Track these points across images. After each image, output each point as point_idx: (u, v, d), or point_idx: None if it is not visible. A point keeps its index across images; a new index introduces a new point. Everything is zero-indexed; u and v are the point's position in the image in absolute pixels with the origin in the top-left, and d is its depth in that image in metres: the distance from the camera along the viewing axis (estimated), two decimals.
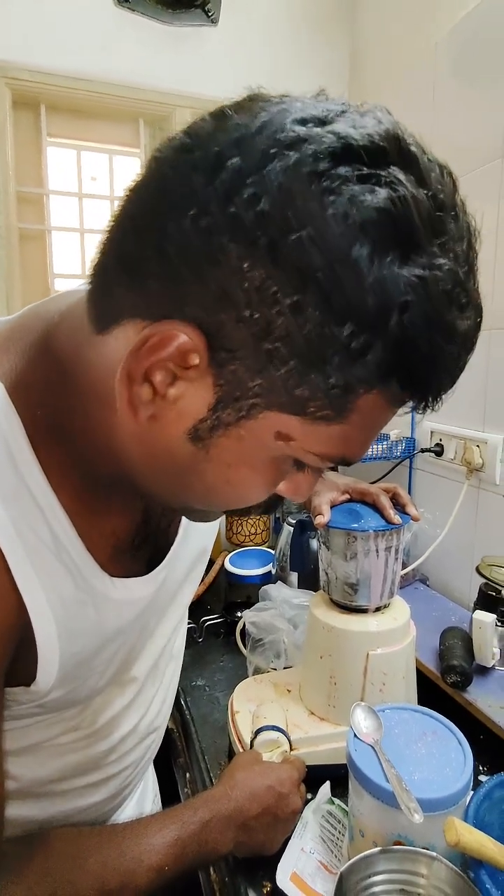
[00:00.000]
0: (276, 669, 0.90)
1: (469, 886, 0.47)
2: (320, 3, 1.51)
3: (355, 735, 0.58)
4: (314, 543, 1.11)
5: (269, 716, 0.71)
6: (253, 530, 1.46)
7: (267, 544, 1.44)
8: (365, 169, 0.28)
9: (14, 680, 0.39)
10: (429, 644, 0.91)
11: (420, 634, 0.77)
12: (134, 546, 0.45)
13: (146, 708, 0.54)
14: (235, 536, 1.47)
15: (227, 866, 0.60)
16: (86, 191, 1.47)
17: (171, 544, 0.51)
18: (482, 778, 0.69)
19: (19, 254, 1.34)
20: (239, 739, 0.73)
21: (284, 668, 0.89)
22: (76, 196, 1.46)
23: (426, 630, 0.93)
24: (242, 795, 0.56)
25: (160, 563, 0.49)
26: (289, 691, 0.80)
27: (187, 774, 0.78)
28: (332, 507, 0.73)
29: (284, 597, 0.99)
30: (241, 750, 0.71)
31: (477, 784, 0.56)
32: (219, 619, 1.13)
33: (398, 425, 1.30)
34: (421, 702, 0.75)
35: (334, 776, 0.67)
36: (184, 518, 0.51)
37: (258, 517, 1.45)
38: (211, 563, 1.26)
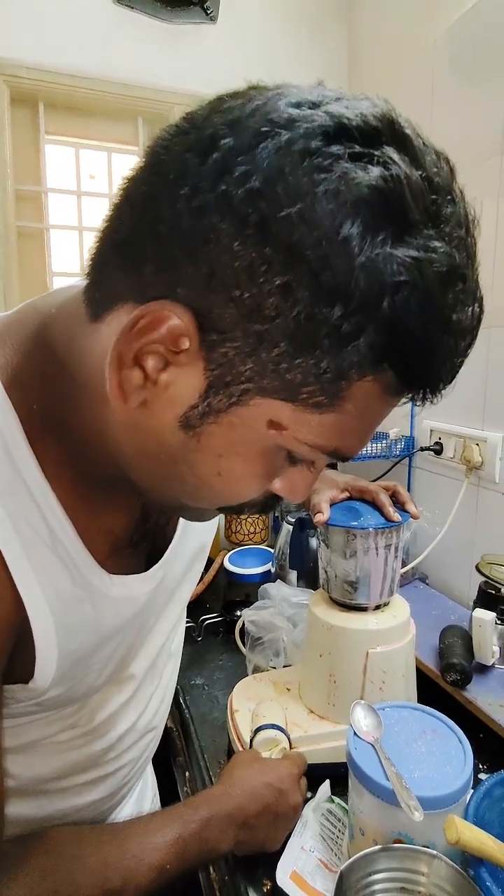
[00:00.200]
0: (275, 668, 0.89)
1: (469, 884, 0.46)
2: (319, 1, 1.50)
3: (355, 733, 0.58)
4: (313, 542, 1.11)
5: (268, 714, 0.71)
6: (252, 529, 1.46)
7: (266, 543, 1.44)
8: (358, 147, 0.27)
9: (12, 677, 0.39)
10: (428, 642, 0.91)
11: (420, 633, 0.77)
12: (132, 543, 0.45)
13: (144, 706, 0.54)
14: (235, 535, 1.47)
15: (226, 865, 0.60)
16: (84, 189, 1.47)
17: (170, 542, 0.50)
18: (482, 776, 0.69)
19: (17, 252, 1.34)
20: (238, 738, 0.73)
21: (284, 666, 0.89)
22: (74, 194, 1.46)
23: (426, 628, 0.93)
24: (242, 794, 0.56)
25: (159, 560, 0.49)
26: (288, 690, 0.80)
27: (186, 773, 0.77)
28: (331, 505, 0.73)
29: (284, 595, 0.99)
30: (240, 748, 0.71)
31: (477, 782, 0.56)
32: (218, 617, 1.13)
33: (397, 423, 1.30)
34: (421, 700, 0.75)
35: (334, 775, 0.67)
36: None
37: (256, 516, 1.45)
38: (210, 561, 1.26)
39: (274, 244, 0.28)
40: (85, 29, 1.29)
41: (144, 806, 0.67)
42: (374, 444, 1.26)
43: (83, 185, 1.47)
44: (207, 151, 0.28)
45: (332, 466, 0.85)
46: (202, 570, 0.61)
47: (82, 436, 0.38)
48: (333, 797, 0.66)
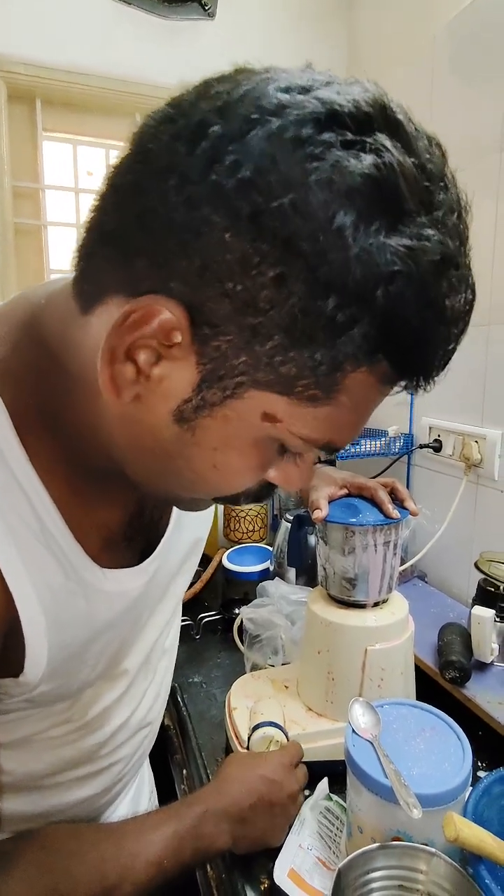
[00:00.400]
0: (273, 666, 0.89)
1: (468, 882, 0.46)
2: None
3: (353, 730, 0.58)
4: (312, 539, 1.11)
5: (266, 712, 0.71)
6: (251, 527, 1.46)
7: (265, 541, 1.43)
8: (350, 135, 0.27)
9: (2, 671, 0.39)
10: (427, 640, 0.90)
11: (418, 630, 0.76)
12: (126, 538, 0.45)
13: (138, 702, 0.53)
14: (233, 533, 1.46)
15: (223, 863, 0.60)
16: (82, 186, 1.46)
17: (163, 536, 0.50)
18: (481, 774, 0.68)
19: (14, 249, 1.33)
20: (236, 736, 0.72)
21: (282, 664, 0.89)
22: (72, 191, 1.45)
23: (425, 626, 0.92)
24: (234, 788, 0.56)
25: (152, 554, 0.48)
26: (286, 687, 0.80)
27: (184, 771, 0.77)
28: (329, 502, 0.73)
29: (282, 593, 0.98)
30: (238, 746, 0.71)
31: (476, 780, 0.56)
32: (216, 615, 1.12)
33: (396, 421, 1.30)
34: (419, 698, 0.75)
35: (332, 772, 0.67)
36: (175, 509, 0.51)
37: (255, 514, 1.45)
38: (209, 560, 1.26)
39: (267, 236, 0.27)
40: (82, 25, 1.29)
41: (141, 803, 0.67)
42: (373, 442, 1.26)
43: (81, 181, 1.46)
44: (196, 139, 0.28)
45: (331, 463, 0.85)
46: (197, 564, 0.61)
47: (77, 430, 0.37)
48: (332, 795, 0.66)
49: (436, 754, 0.55)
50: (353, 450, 1.25)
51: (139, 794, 0.67)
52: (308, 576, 1.11)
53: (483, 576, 0.91)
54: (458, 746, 0.56)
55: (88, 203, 0.33)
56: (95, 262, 0.33)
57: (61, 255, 1.45)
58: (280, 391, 0.31)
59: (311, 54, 1.58)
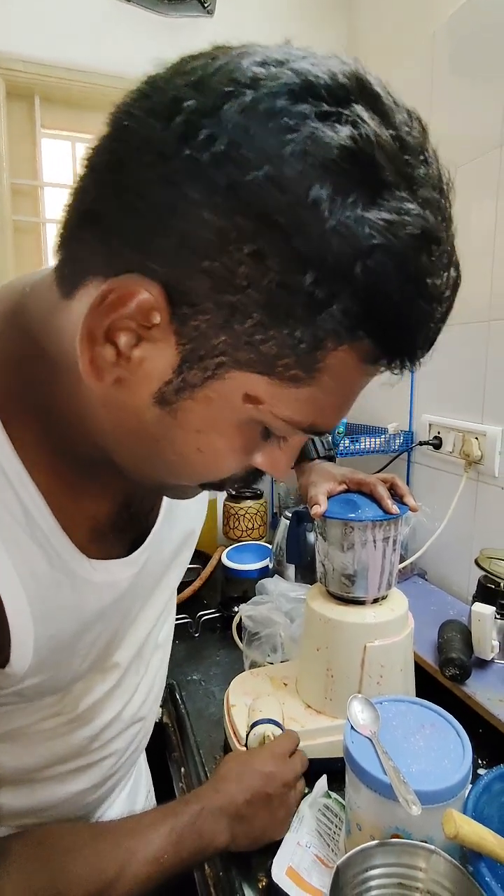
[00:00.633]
0: (272, 663, 0.89)
1: (468, 879, 0.46)
2: None
3: (352, 727, 0.57)
4: (311, 536, 1.10)
5: (265, 709, 0.70)
6: (250, 525, 1.45)
7: (264, 539, 1.43)
8: (326, 106, 0.26)
9: None
10: (427, 638, 0.90)
11: (418, 628, 0.76)
12: (116, 529, 0.44)
13: (130, 696, 0.53)
14: (233, 531, 1.46)
15: (221, 861, 0.59)
16: None
17: (153, 527, 0.50)
18: (481, 772, 0.68)
19: (13, 246, 1.33)
20: (235, 733, 0.72)
21: (281, 662, 0.88)
22: (71, 188, 1.45)
23: (425, 624, 0.92)
24: (230, 786, 0.56)
25: (142, 545, 0.48)
26: (285, 685, 0.79)
27: (182, 769, 0.77)
28: (328, 498, 0.72)
29: (281, 590, 0.98)
30: (236, 744, 0.70)
31: (476, 778, 0.55)
32: (215, 613, 1.12)
33: (396, 418, 1.30)
34: (419, 695, 0.74)
35: (331, 770, 0.66)
36: (166, 500, 0.50)
37: (254, 512, 1.44)
38: (208, 557, 1.25)
39: (242, 210, 0.27)
40: (82, 23, 1.29)
41: (138, 801, 0.67)
42: (373, 439, 1.25)
43: None
44: (170, 115, 0.27)
45: (331, 459, 0.84)
46: (190, 557, 0.60)
47: (62, 417, 0.37)
48: (330, 792, 0.65)
49: (435, 751, 0.54)
50: (352, 447, 1.25)
51: (136, 792, 0.66)
52: (307, 573, 1.11)
53: (483, 573, 0.90)
54: (457, 743, 0.55)
55: None
56: (74, 245, 0.33)
57: None
58: (261, 371, 0.31)
59: None
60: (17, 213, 1.34)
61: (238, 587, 1.13)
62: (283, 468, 0.39)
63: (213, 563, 1.23)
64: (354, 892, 0.48)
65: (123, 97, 0.30)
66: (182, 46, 0.31)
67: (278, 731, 0.66)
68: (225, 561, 1.16)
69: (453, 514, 1.09)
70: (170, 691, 0.91)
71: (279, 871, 0.55)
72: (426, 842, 0.49)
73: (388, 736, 0.56)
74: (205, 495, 0.61)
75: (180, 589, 1.14)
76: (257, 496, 1.48)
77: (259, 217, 0.27)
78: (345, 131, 0.26)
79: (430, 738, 0.56)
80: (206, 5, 1.32)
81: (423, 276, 0.29)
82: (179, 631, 1.07)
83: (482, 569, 0.91)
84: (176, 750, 0.81)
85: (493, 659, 0.84)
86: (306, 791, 0.65)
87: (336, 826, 0.62)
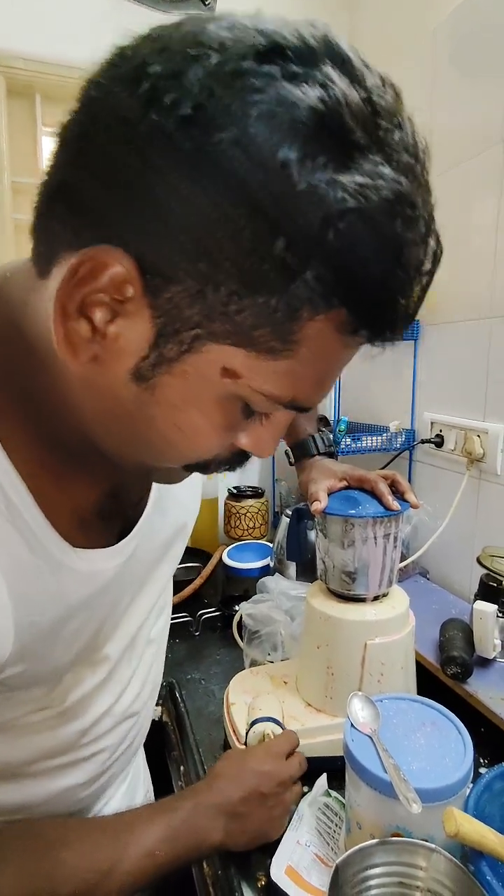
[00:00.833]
0: (272, 662, 0.88)
1: (469, 878, 0.45)
2: None
3: (352, 725, 0.57)
4: (312, 534, 1.10)
5: (264, 707, 0.70)
6: (251, 524, 1.45)
7: (266, 538, 1.42)
8: (294, 67, 0.26)
9: None
10: (429, 636, 0.89)
11: (420, 627, 0.75)
12: (102, 517, 0.44)
13: (121, 690, 0.52)
14: (234, 531, 1.45)
15: (220, 860, 0.59)
16: None
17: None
18: (482, 771, 0.67)
19: (14, 245, 1.33)
20: (234, 731, 0.71)
21: (281, 660, 0.88)
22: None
23: (426, 622, 0.91)
24: (224, 783, 0.56)
25: (128, 535, 0.47)
26: (285, 683, 0.79)
27: (181, 768, 0.76)
28: (329, 494, 0.72)
29: (282, 589, 0.97)
30: (236, 742, 0.70)
31: (478, 777, 0.55)
32: (216, 612, 1.12)
33: (398, 416, 1.29)
34: (421, 694, 0.73)
35: (331, 768, 0.65)
36: (154, 490, 0.49)
37: (256, 511, 1.44)
38: (209, 556, 1.25)
39: (210, 174, 0.26)
40: (82, 20, 1.28)
41: (136, 799, 0.66)
42: (375, 438, 1.25)
43: None
44: (136, 81, 0.27)
45: (331, 456, 0.84)
46: (183, 551, 0.60)
47: (44, 402, 0.37)
48: (330, 791, 0.65)
49: (436, 749, 0.54)
50: (354, 445, 1.24)
51: (134, 790, 0.66)
52: (308, 571, 1.10)
53: (485, 571, 0.90)
54: (458, 741, 0.54)
55: None
56: (48, 222, 0.32)
57: None
58: (238, 343, 0.30)
59: None
60: (17, 211, 1.34)
61: (239, 586, 1.12)
62: (267, 448, 0.38)
63: (213, 561, 1.23)
64: (354, 890, 0.48)
65: (92, 69, 0.30)
66: None
67: (278, 730, 0.66)
68: (226, 560, 1.16)
69: (455, 512, 1.08)
70: (169, 690, 0.90)
71: (278, 870, 0.55)
72: (427, 840, 0.48)
73: (388, 734, 0.56)
74: (197, 489, 0.60)
75: (181, 587, 1.14)
76: (258, 495, 1.47)
77: (226, 182, 0.26)
78: (313, 92, 0.25)
79: (430, 735, 0.56)
80: (206, 3, 1.32)
81: (398, 243, 0.28)
82: (180, 630, 1.07)
83: (484, 567, 0.90)
84: (175, 749, 0.80)
85: (495, 658, 0.83)
86: (306, 790, 0.64)
87: (336, 825, 0.61)
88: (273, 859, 0.56)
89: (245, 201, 0.26)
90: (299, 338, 0.30)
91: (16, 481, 0.36)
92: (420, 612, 0.77)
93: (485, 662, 0.83)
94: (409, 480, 1.30)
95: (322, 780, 0.65)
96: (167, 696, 0.90)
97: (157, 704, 0.89)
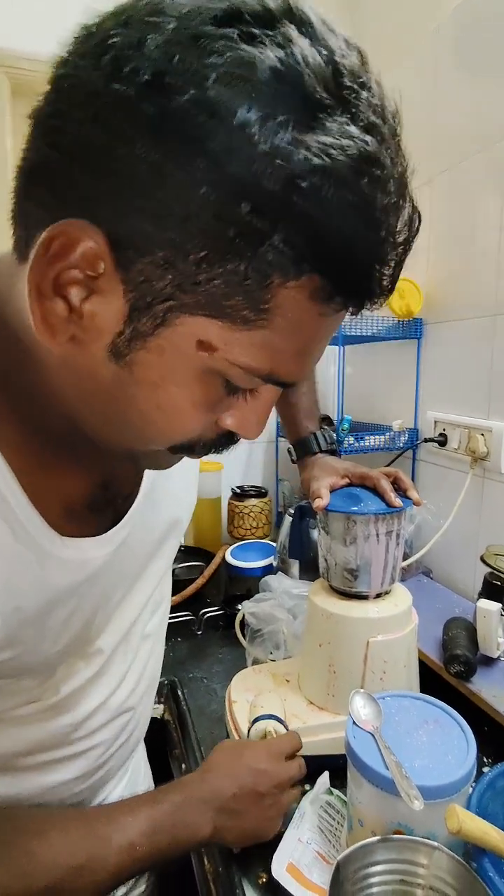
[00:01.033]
0: (275, 660, 0.88)
1: (471, 875, 0.45)
2: None
3: (354, 722, 0.56)
4: (314, 532, 1.10)
5: (266, 705, 0.69)
6: (254, 524, 1.45)
7: (269, 538, 1.42)
8: (253, 29, 0.26)
9: None
10: (432, 635, 0.89)
11: (423, 625, 0.75)
12: (92, 508, 0.43)
13: (116, 684, 0.52)
14: (237, 530, 1.45)
15: (221, 857, 0.59)
16: None
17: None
18: (485, 769, 0.67)
19: None
20: (236, 729, 0.71)
21: (284, 658, 0.88)
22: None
23: (429, 621, 0.91)
24: (216, 777, 0.55)
25: (118, 524, 0.47)
26: (287, 681, 0.79)
27: (183, 766, 0.76)
28: (331, 491, 0.72)
29: (284, 587, 0.97)
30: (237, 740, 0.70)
31: (480, 776, 0.54)
32: (218, 611, 1.11)
33: (401, 415, 1.29)
34: (424, 692, 0.73)
35: (333, 766, 0.65)
36: (146, 482, 0.49)
37: (258, 511, 1.44)
38: (211, 555, 1.25)
39: (172, 138, 0.26)
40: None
41: None
42: (378, 437, 1.25)
43: None
44: (100, 54, 0.27)
45: (334, 454, 0.83)
46: (178, 547, 0.59)
47: (28, 387, 0.37)
48: (332, 789, 0.65)
49: (439, 746, 0.53)
50: (357, 444, 1.24)
51: (134, 786, 0.65)
52: (311, 570, 1.10)
53: (489, 569, 0.89)
54: (461, 738, 0.54)
55: None
56: (25, 206, 0.32)
57: None
58: (211, 314, 0.30)
59: None
60: None
61: (241, 585, 1.12)
62: (253, 429, 0.38)
63: (216, 560, 1.23)
64: (355, 888, 0.48)
65: (60, 49, 0.30)
66: None
67: (280, 728, 0.65)
68: (228, 559, 1.16)
69: (459, 510, 1.08)
70: (171, 688, 0.90)
71: (279, 867, 0.55)
72: (429, 838, 0.48)
73: (390, 731, 0.55)
74: (192, 483, 0.60)
75: (183, 586, 1.14)
76: (262, 495, 1.47)
77: (188, 146, 0.26)
78: (272, 52, 0.25)
79: (433, 733, 0.55)
80: None
81: (367, 204, 0.28)
82: (182, 628, 1.07)
83: (488, 565, 0.90)
84: (177, 747, 0.80)
85: (498, 656, 0.83)
86: (307, 788, 0.64)
87: (338, 823, 0.61)
88: (274, 856, 0.56)
89: (208, 165, 0.26)
90: (272, 306, 0.29)
91: (2, 468, 0.36)
92: (423, 611, 0.77)
93: (488, 661, 0.82)
94: (413, 479, 1.30)
95: (324, 778, 0.65)
96: (169, 694, 0.90)
97: (158, 703, 0.89)
